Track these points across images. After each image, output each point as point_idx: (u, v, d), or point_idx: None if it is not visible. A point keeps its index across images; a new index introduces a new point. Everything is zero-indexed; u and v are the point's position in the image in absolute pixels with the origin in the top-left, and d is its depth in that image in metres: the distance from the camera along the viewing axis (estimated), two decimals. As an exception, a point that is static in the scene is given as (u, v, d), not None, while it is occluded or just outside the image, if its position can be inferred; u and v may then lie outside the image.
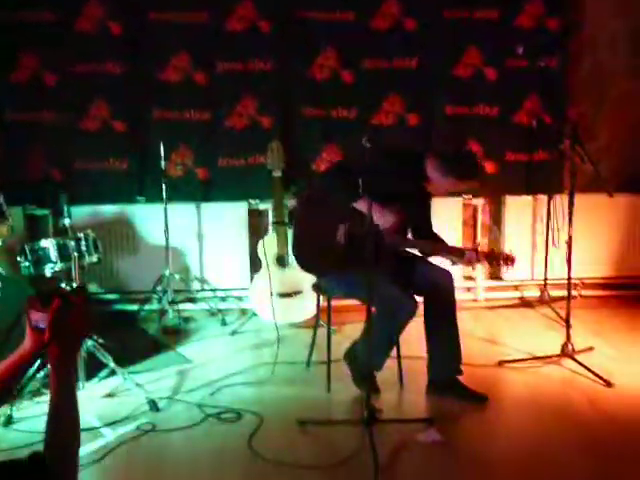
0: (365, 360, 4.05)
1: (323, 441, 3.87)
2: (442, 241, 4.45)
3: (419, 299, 4.29)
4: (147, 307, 5.89)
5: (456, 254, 4.28)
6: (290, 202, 5.77)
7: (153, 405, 4.20)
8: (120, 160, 5.98)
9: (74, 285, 4.38)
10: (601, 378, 4.56)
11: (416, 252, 4.49)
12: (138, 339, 5.48)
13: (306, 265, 4.38)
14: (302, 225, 4.37)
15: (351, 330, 5.34)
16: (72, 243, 4.44)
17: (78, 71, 5.83)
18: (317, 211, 4.34)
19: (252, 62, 5.94)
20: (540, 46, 5.94)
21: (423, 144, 5.92)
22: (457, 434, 4.02)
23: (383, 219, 4.11)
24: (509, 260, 4.24)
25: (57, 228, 5.41)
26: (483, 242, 6.40)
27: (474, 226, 6.36)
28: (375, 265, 3.75)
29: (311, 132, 6.04)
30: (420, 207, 4.47)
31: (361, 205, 4.13)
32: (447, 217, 5.94)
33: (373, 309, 3.89)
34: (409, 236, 4.46)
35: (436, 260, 4.50)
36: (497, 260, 4.28)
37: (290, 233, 4.30)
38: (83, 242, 4.53)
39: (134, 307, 5.93)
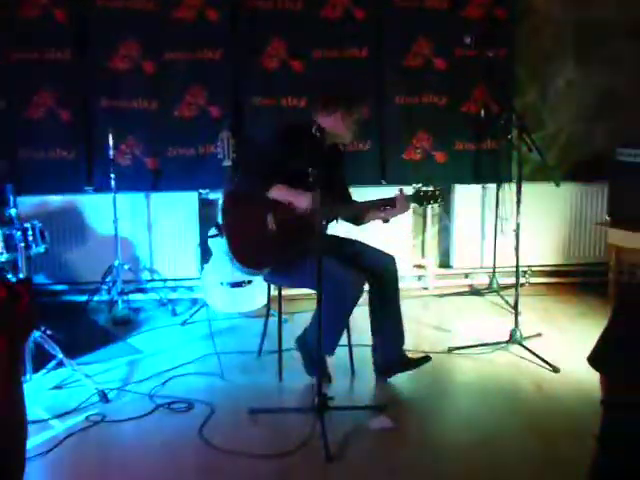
0: (316, 343, 4.04)
1: (275, 429, 3.87)
2: (364, 201, 4.44)
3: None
4: (96, 298, 5.83)
5: (385, 204, 4.27)
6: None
7: (102, 396, 4.16)
8: (67, 150, 5.89)
9: (20, 276, 4.32)
10: (548, 363, 4.64)
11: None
12: (87, 330, 5.43)
13: (247, 264, 4.29)
14: (232, 225, 4.31)
15: (302, 319, 5.32)
16: (18, 233, 4.37)
17: (22, 58, 5.72)
18: (242, 206, 4.31)
19: (201, 51, 5.89)
20: (488, 36, 5.98)
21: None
22: (408, 420, 4.05)
23: (300, 201, 4.13)
24: (436, 196, 4.27)
25: (2, 218, 5.30)
26: (433, 230, 6.45)
27: (424, 215, 6.39)
28: (313, 247, 3.76)
29: (261, 121, 6.00)
30: (333, 175, 4.42)
31: (275, 194, 4.16)
32: (397, 206, 5.97)
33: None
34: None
35: (378, 244, 4.53)
36: (427, 199, 4.28)
37: (224, 238, 4.25)
38: (30, 232, 4.47)
39: (83, 298, 5.86)
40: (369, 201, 4.37)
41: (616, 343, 2.38)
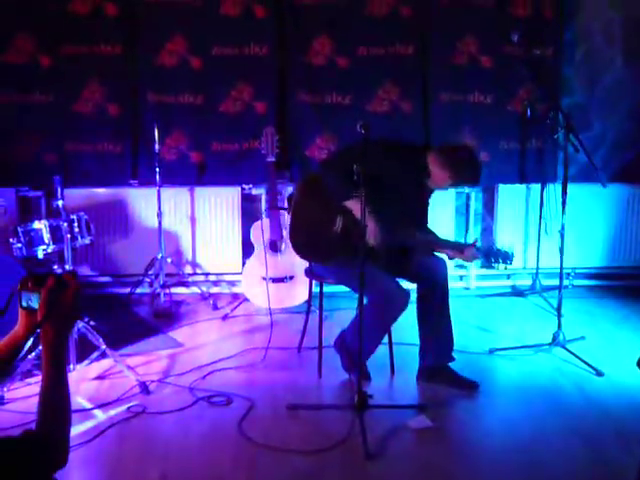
0: (355, 349, 4.04)
1: (313, 426, 3.88)
2: (435, 236, 4.42)
3: (413, 285, 4.31)
4: (139, 290, 5.89)
5: (454, 250, 4.26)
6: (286, 188, 5.79)
7: (144, 388, 4.20)
8: (114, 143, 5.95)
9: (66, 267, 4.38)
10: (592, 367, 4.59)
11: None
12: (130, 322, 5.47)
13: (302, 251, 4.38)
14: (300, 211, 4.35)
15: (343, 316, 5.34)
16: (64, 225, 4.44)
17: (72, 53, 5.78)
18: (315, 199, 4.31)
19: (247, 47, 5.91)
20: (535, 34, 5.94)
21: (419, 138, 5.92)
22: (448, 421, 4.04)
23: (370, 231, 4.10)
24: (507, 258, 4.22)
25: (50, 210, 5.38)
26: (475, 230, 6.40)
27: (467, 214, 6.36)
28: (371, 257, 3.77)
29: (306, 118, 6.01)
30: (420, 204, 4.45)
31: (352, 205, 4.13)
32: (439, 205, 5.92)
33: (365, 299, 3.90)
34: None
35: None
36: (495, 257, 4.26)
37: (287, 218, 4.28)
38: (76, 224, 4.54)
39: (126, 290, 5.92)
40: (443, 241, 4.38)
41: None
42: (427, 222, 4.54)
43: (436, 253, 4.42)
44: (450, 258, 4.33)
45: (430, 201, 4.54)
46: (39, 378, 2.08)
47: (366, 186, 3.76)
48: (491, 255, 4.24)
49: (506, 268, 4.38)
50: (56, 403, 2.06)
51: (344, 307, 5.52)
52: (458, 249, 4.24)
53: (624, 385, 4.39)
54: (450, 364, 4.42)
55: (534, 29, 5.97)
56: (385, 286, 4.09)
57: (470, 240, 4.21)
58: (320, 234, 4.29)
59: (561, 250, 4.83)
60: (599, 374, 4.54)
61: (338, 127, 5.98)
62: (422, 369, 4.47)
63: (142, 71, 5.90)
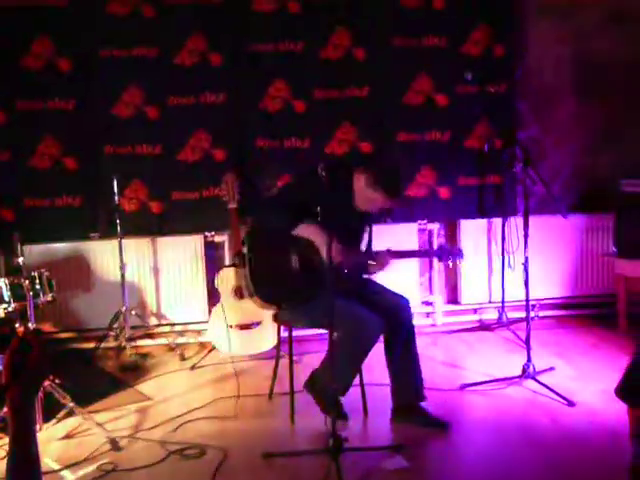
0: (328, 385, 4.00)
1: (289, 473, 3.83)
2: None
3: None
4: (104, 345, 5.80)
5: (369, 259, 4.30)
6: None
7: (114, 444, 4.11)
8: (72, 197, 5.91)
9: (29, 325, 4.30)
10: (563, 397, 4.59)
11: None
12: (96, 378, 5.38)
13: (268, 299, 4.30)
14: (254, 263, 4.30)
15: (312, 360, 5.30)
16: (25, 282, 4.36)
17: (26, 108, 5.77)
18: (264, 243, 4.31)
19: (203, 95, 5.93)
20: (488, 72, 6.03)
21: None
22: (424, 460, 4.00)
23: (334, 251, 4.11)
24: (457, 254, 4.31)
25: (10, 267, 5.31)
26: (440, 267, 6.42)
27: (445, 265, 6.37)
28: (336, 289, 3.74)
29: (265, 163, 6.02)
30: (358, 229, 4.43)
31: (302, 231, 4.16)
32: (403, 242, 5.94)
33: (336, 334, 3.88)
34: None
35: (387, 282, 4.53)
36: (446, 255, 4.31)
37: (245, 270, 4.24)
38: (37, 281, 4.46)
39: (91, 345, 5.82)
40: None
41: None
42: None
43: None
44: (371, 273, 4.34)
45: (367, 229, 4.54)
46: (6, 441, 2.01)
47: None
48: (443, 253, 4.31)
49: (457, 264, 4.42)
50: (25, 468, 1.99)
51: (314, 351, 5.49)
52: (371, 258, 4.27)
53: (596, 414, 4.40)
54: (422, 403, 4.40)
55: (487, 66, 6.08)
56: (356, 314, 4.07)
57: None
58: (280, 276, 4.27)
59: (526, 282, 4.86)
60: (571, 404, 4.54)
61: (298, 170, 5.98)
62: (394, 409, 4.45)
63: (98, 123, 5.87)
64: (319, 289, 4.11)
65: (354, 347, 4.09)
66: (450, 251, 4.36)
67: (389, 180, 4.25)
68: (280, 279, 4.29)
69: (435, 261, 6.38)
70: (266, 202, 4.48)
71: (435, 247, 4.36)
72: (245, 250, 4.29)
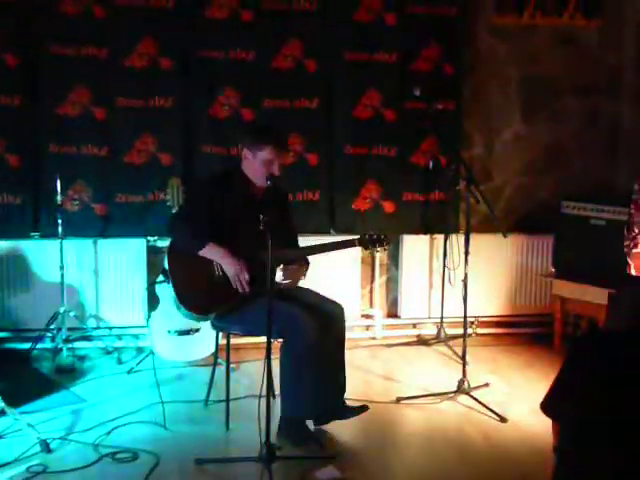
0: (287, 403, 4.00)
1: (222, 479, 3.81)
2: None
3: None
4: (40, 345, 5.71)
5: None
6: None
7: (44, 446, 4.05)
8: (14, 194, 5.81)
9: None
10: (496, 414, 4.67)
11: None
12: (30, 378, 5.30)
13: (195, 310, 4.30)
14: (178, 270, 4.30)
15: (250, 368, 5.34)
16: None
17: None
18: (184, 257, 4.32)
19: (152, 99, 5.90)
20: (437, 89, 6.10)
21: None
22: (356, 471, 4.02)
23: (227, 266, 4.19)
24: (382, 241, 4.33)
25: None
26: (381, 280, 6.47)
27: (372, 265, 6.42)
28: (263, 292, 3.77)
29: (211, 169, 5.99)
30: (276, 220, 4.33)
31: (207, 254, 4.21)
32: (345, 255, 5.98)
33: (277, 341, 3.89)
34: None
35: (326, 293, 4.56)
36: (371, 241, 4.32)
37: (169, 288, 4.26)
38: (-27, 278, 4.40)
39: (27, 345, 5.73)
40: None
41: (567, 391, 2.41)
42: (294, 241, 4.62)
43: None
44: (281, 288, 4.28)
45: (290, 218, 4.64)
46: None
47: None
48: (367, 242, 4.31)
49: (384, 251, 4.46)
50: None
51: (252, 359, 5.50)
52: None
53: (527, 430, 4.48)
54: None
55: (435, 84, 6.14)
56: (288, 312, 4.09)
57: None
58: (205, 285, 4.29)
59: (465, 299, 4.93)
60: (503, 420, 4.61)
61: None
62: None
63: (43, 122, 5.80)
64: (247, 296, 4.14)
65: (298, 356, 4.09)
66: (374, 239, 4.33)
67: (271, 133, 4.39)
68: (205, 288, 4.30)
69: (377, 274, 6.42)
70: (172, 223, 4.48)
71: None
72: (168, 262, 4.29)
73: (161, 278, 5.20)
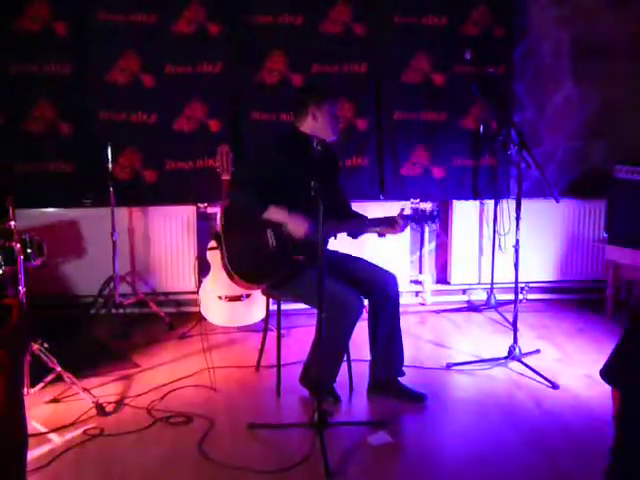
0: (319, 374, 4.01)
1: (274, 445, 3.86)
2: (364, 217, 4.48)
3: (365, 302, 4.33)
4: (94, 311, 5.80)
5: (382, 225, 4.29)
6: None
7: (101, 409, 4.14)
8: (65, 162, 5.88)
9: (19, 289, 4.31)
10: (547, 380, 4.64)
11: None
12: (84, 344, 5.39)
13: (248, 279, 4.32)
14: (231, 239, 4.32)
15: (300, 334, 5.37)
16: (17, 246, 4.35)
17: (22, 71, 5.72)
18: (241, 220, 4.33)
19: (200, 65, 5.90)
20: (487, 53, 6.02)
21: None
22: (407, 436, 4.04)
23: (297, 226, 4.17)
24: (433, 217, 4.31)
25: (1, 231, 5.29)
26: (431, 246, 6.45)
27: (422, 231, 6.39)
28: (313, 262, 3.75)
29: (260, 136, 5.99)
30: (329, 186, 4.42)
31: (271, 216, 4.19)
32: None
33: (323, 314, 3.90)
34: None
35: (379, 261, 4.54)
36: (423, 219, 4.31)
37: (222, 250, 4.27)
38: (28, 245, 4.45)
39: (80, 312, 5.83)
40: (369, 220, 4.38)
41: (631, 358, 2.38)
42: (348, 205, 4.62)
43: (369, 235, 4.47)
44: (381, 235, 4.34)
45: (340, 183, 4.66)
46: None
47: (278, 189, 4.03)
48: (419, 218, 4.31)
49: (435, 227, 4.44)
50: (11, 428, 2.01)
51: (302, 324, 5.53)
52: (387, 224, 4.26)
53: (579, 397, 4.45)
54: (400, 378, 4.45)
55: (485, 47, 6.05)
56: (337, 291, 4.08)
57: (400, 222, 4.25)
58: (259, 255, 4.29)
59: (516, 265, 4.88)
60: (554, 387, 4.59)
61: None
62: (372, 382, 4.50)
63: (93, 89, 5.84)
64: (297, 265, 4.14)
65: (337, 327, 4.11)
66: (425, 215, 4.33)
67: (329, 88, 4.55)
68: (258, 258, 4.31)
69: (426, 240, 6.40)
70: (237, 183, 4.47)
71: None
72: (220, 229, 4.30)
73: (213, 244, 5.26)
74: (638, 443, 2.29)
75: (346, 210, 4.58)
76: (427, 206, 4.32)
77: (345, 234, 4.50)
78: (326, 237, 4.34)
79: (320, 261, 3.76)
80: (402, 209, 4.30)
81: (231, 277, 4.28)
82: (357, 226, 4.43)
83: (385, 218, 4.30)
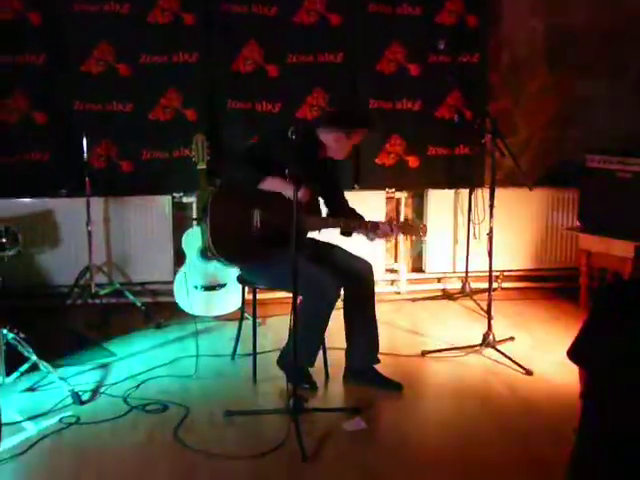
0: (298, 356, 4.03)
1: (250, 431, 3.88)
2: (358, 217, 4.52)
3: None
4: (70, 301, 5.79)
5: (371, 228, 4.32)
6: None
7: (77, 398, 4.14)
8: (41, 152, 5.85)
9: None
10: (521, 367, 4.69)
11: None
12: (61, 334, 5.37)
13: (227, 257, 4.35)
14: (216, 217, 4.31)
15: (276, 322, 5.40)
16: (-9, 235, 4.35)
17: (-3, 62, 5.71)
18: (228, 201, 4.34)
19: (176, 54, 5.89)
20: (461, 42, 6.05)
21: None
22: (382, 422, 4.09)
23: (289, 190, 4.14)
24: (422, 230, 4.35)
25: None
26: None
27: (397, 219, 6.39)
28: (297, 249, 3.78)
29: (236, 125, 6.01)
30: (326, 182, 4.53)
31: (268, 184, 4.19)
32: (370, 211, 5.97)
33: (299, 299, 3.92)
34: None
35: (356, 250, 4.58)
36: (411, 230, 4.37)
37: (205, 227, 4.28)
38: (3, 235, 4.44)
39: (56, 302, 5.81)
40: (359, 221, 4.43)
41: (596, 337, 2.42)
42: (345, 202, 4.66)
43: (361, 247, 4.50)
44: (370, 239, 4.38)
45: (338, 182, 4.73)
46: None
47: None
48: (407, 229, 4.38)
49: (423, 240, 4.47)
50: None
51: (278, 314, 5.55)
52: (374, 227, 4.31)
53: (553, 383, 4.51)
54: (375, 366, 4.49)
55: (460, 36, 6.09)
56: (314, 275, 4.11)
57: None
58: (241, 235, 4.31)
59: (490, 253, 4.93)
60: (528, 373, 4.64)
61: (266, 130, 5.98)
62: (348, 370, 4.54)
63: (68, 79, 5.82)
64: (277, 249, 4.16)
65: (311, 310, 4.15)
66: (414, 228, 4.40)
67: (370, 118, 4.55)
68: (240, 238, 4.33)
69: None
70: (234, 158, 4.47)
71: (400, 220, 4.41)
72: (208, 207, 4.31)
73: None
74: (603, 421, 2.33)
75: (343, 208, 4.61)
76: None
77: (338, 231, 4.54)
78: (312, 230, 4.41)
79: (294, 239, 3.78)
80: (391, 217, 4.37)
81: (212, 255, 4.30)
82: (344, 223, 4.44)
83: (372, 222, 4.36)
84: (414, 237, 4.40)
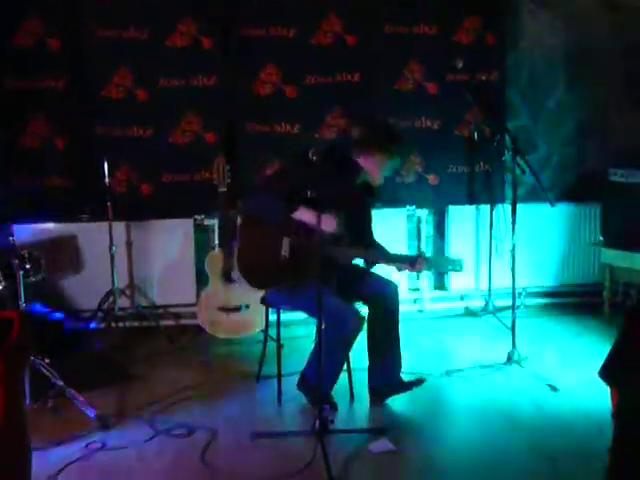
0: (316, 379, 4.03)
1: (277, 453, 3.87)
2: (384, 250, 4.50)
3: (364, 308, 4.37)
4: (93, 325, 5.81)
5: (403, 262, 4.32)
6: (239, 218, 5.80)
7: (102, 423, 4.14)
8: (62, 177, 5.91)
9: (20, 304, 4.32)
10: (547, 384, 4.66)
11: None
12: (85, 357, 5.39)
13: (253, 281, 4.37)
14: (245, 241, 4.37)
15: (300, 344, 5.36)
16: (16, 262, 4.37)
17: (16, 87, 5.77)
18: (258, 226, 4.34)
19: (195, 78, 5.93)
20: (479, 60, 6.06)
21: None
22: (408, 443, 4.04)
23: (325, 223, 4.12)
24: (456, 264, 4.30)
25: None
26: (427, 251, 6.47)
27: (418, 237, 6.41)
28: (321, 278, 3.78)
29: (255, 148, 6.03)
30: (359, 213, 4.52)
31: (300, 215, 4.19)
32: (392, 228, 6.01)
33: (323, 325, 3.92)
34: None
35: (380, 270, 4.56)
36: (444, 265, 4.36)
37: (234, 250, 4.30)
38: (27, 260, 4.47)
39: (80, 326, 5.82)
40: (390, 254, 4.42)
41: (627, 357, 2.40)
42: (372, 234, 4.63)
43: (387, 268, 4.49)
44: (399, 270, 4.39)
45: (372, 214, 4.68)
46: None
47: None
48: (441, 263, 4.37)
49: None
50: (13, 443, 2.01)
51: (301, 335, 5.54)
52: (408, 262, 4.29)
53: (579, 400, 4.47)
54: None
55: (478, 55, 6.10)
56: (335, 307, 4.09)
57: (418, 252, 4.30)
58: (268, 261, 4.31)
59: (513, 270, 4.91)
60: (554, 390, 4.61)
61: (288, 156, 6.00)
62: (372, 388, 4.52)
63: (88, 104, 5.87)
64: (305, 276, 4.16)
65: (336, 340, 4.14)
66: (449, 262, 4.40)
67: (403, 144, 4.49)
68: (267, 263, 4.32)
69: (423, 246, 6.41)
70: (261, 195, 4.36)
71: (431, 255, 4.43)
72: (238, 230, 4.33)
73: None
74: (636, 440, 2.31)
75: (369, 240, 4.59)
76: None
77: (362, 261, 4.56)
78: (344, 262, 4.38)
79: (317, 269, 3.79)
80: (421, 251, 4.36)
81: (238, 277, 4.33)
82: (379, 257, 4.44)
83: (404, 256, 4.37)
84: (448, 271, 4.37)
